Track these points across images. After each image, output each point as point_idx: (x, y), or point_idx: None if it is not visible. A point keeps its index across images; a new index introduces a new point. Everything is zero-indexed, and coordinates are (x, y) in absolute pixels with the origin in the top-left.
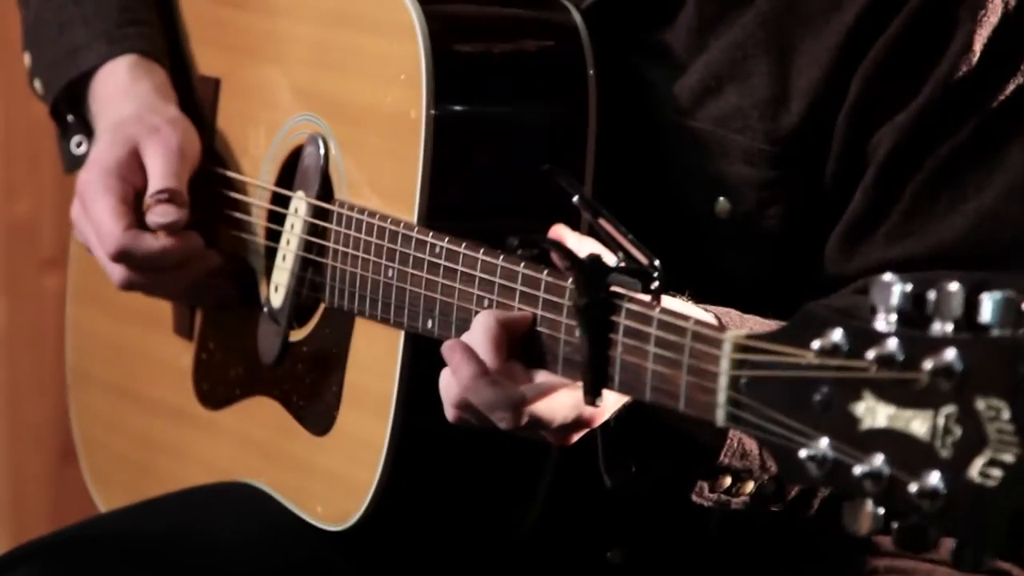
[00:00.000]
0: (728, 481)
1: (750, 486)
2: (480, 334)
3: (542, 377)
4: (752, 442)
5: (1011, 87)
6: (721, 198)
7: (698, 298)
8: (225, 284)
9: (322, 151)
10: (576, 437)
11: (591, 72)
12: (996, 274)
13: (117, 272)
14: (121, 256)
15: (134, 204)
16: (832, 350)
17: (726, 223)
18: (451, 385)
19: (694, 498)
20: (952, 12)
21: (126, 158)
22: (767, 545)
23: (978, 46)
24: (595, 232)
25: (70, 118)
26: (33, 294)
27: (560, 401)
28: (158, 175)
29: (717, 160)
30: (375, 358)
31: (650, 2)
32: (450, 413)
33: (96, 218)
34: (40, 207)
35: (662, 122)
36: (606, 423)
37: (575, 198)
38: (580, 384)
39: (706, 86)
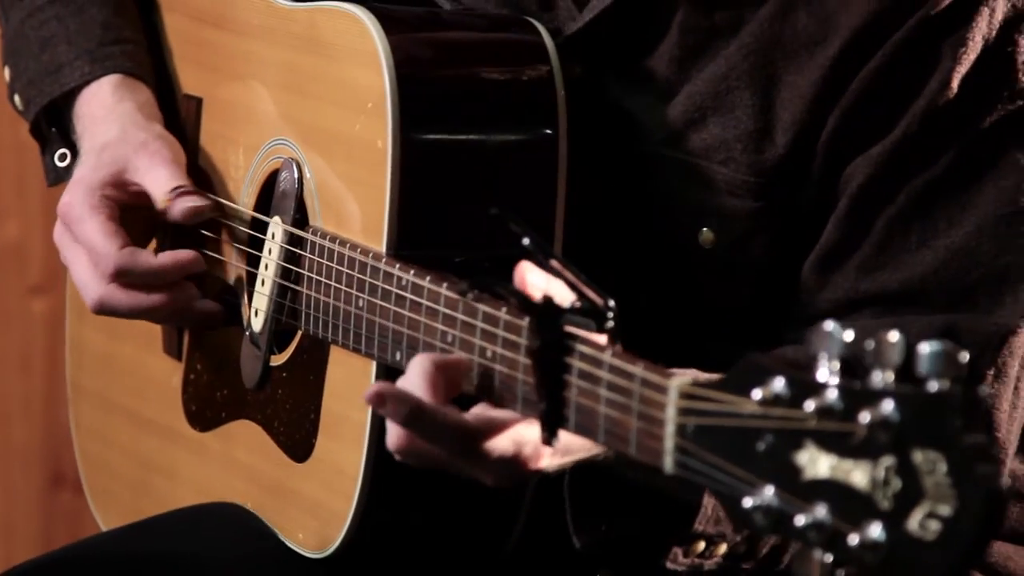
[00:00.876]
0: (701, 546)
1: (723, 548)
2: (416, 376)
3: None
4: None
5: (986, 124)
6: (705, 228)
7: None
8: (208, 306)
9: (296, 176)
10: (513, 480)
11: (561, 94)
12: (959, 316)
13: (95, 293)
14: (120, 275)
15: (123, 223)
16: (773, 400)
17: (710, 253)
18: (390, 434)
19: (668, 565)
20: (934, 48)
21: (111, 179)
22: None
23: (956, 82)
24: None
25: (53, 131)
26: (21, 318)
27: (503, 437)
28: (164, 179)
29: (701, 191)
30: (350, 387)
31: (634, 30)
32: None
33: (88, 239)
34: (28, 230)
35: (646, 152)
36: (571, 483)
37: (525, 241)
38: (519, 423)
39: (689, 118)
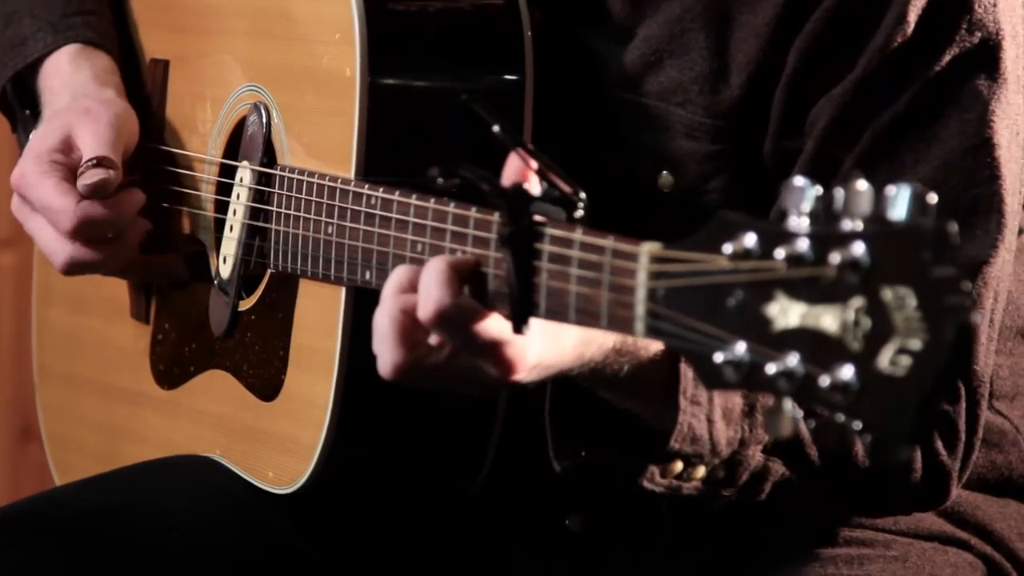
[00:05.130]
0: (679, 467)
1: (701, 471)
2: (433, 277)
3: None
4: (702, 425)
5: (947, 57)
6: (664, 172)
7: None
8: (174, 260)
9: (264, 119)
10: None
11: (528, 34)
12: None
13: (63, 255)
14: (83, 227)
15: (75, 182)
16: (744, 254)
17: (669, 196)
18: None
19: (645, 484)
20: None
21: (58, 144)
22: (724, 519)
23: (912, 16)
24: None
25: (27, 112)
26: None
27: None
28: (89, 148)
29: (660, 134)
30: (319, 318)
31: None
32: (398, 355)
33: (44, 202)
34: None
35: (606, 95)
36: (551, 408)
37: (495, 127)
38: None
39: (646, 61)
